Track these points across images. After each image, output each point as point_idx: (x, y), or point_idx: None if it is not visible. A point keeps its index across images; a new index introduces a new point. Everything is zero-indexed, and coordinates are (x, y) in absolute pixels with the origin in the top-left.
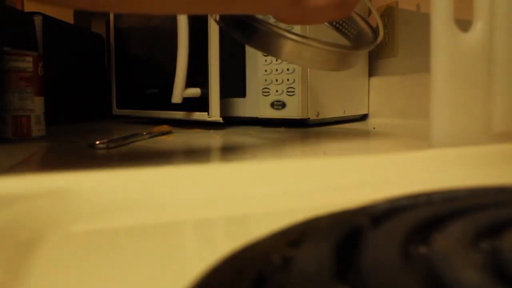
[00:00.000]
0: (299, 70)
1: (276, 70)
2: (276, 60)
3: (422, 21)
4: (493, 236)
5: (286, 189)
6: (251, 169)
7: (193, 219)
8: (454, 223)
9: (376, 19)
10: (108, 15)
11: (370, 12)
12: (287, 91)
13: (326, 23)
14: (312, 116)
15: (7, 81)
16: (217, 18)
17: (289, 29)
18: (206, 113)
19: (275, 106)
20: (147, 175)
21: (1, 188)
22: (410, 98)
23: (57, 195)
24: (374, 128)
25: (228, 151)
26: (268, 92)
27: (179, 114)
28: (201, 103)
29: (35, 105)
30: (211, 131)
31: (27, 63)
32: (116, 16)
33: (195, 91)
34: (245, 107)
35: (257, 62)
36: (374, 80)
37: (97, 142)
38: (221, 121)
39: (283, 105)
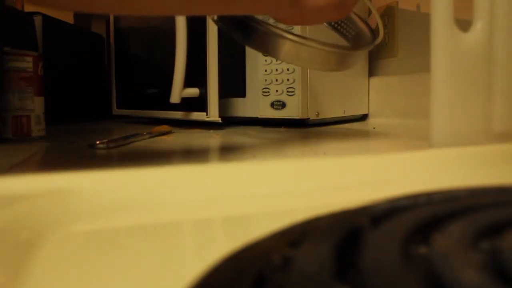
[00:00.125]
0: (299, 70)
1: (276, 70)
2: (276, 60)
3: (422, 21)
4: (493, 236)
5: (286, 189)
6: (251, 169)
7: (193, 219)
8: (454, 223)
9: (376, 19)
10: (108, 15)
11: (370, 12)
12: (287, 91)
13: (324, 24)
14: (312, 116)
15: (7, 81)
16: (215, 18)
17: (288, 30)
18: (204, 113)
19: (275, 106)
20: (147, 175)
21: (1, 188)
22: (410, 98)
23: (57, 195)
24: (374, 128)
25: (228, 151)
26: (268, 92)
27: (179, 114)
28: (200, 103)
29: (35, 105)
30: (211, 131)
31: (27, 63)
32: (116, 17)
33: (193, 91)
34: (245, 107)
35: (257, 62)
36: (374, 80)
37: (97, 142)
38: (220, 121)
39: (283, 105)
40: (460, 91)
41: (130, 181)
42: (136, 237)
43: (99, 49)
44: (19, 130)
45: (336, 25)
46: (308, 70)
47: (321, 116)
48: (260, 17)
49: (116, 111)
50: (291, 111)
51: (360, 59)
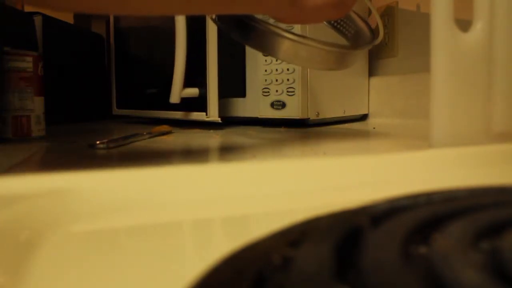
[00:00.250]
0: (299, 70)
1: (276, 70)
2: (276, 60)
3: (422, 21)
4: (493, 236)
5: (286, 189)
6: (251, 169)
7: (193, 219)
8: (454, 223)
9: (376, 19)
10: (108, 15)
11: (370, 12)
12: (287, 91)
13: (324, 22)
14: (312, 116)
15: (7, 81)
16: (213, 17)
17: (288, 29)
18: (204, 113)
19: (275, 106)
20: (147, 175)
21: (1, 188)
22: (410, 98)
23: (57, 195)
24: (374, 128)
25: (228, 151)
26: (268, 92)
27: (179, 114)
28: (200, 103)
29: (35, 105)
30: (211, 131)
31: (27, 63)
32: (116, 17)
33: (193, 91)
34: (245, 107)
35: (257, 62)
36: (374, 80)
37: (97, 142)
38: (219, 121)
39: (283, 105)
40: (460, 91)
41: (130, 181)
42: (136, 237)
43: (99, 49)
44: (19, 130)
45: (335, 24)
46: (308, 70)
47: (321, 116)
48: (260, 16)
49: (116, 111)
50: (291, 111)
51: (360, 58)
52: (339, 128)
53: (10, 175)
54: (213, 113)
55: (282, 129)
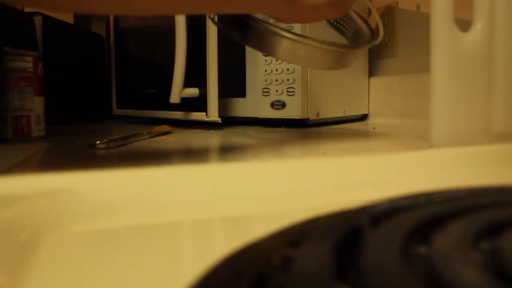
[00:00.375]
0: (299, 70)
1: (276, 70)
2: (276, 60)
3: (422, 21)
4: (493, 236)
5: (286, 189)
6: (251, 169)
7: (193, 219)
8: (454, 223)
9: (376, 19)
10: (108, 15)
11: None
12: (287, 91)
13: (324, 21)
14: (312, 116)
15: (7, 81)
16: (213, 17)
17: (288, 29)
18: (204, 113)
19: (275, 106)
20: (147, 175)
21: (1, 188)
22: (410, 98)
23: (57, 195)
24: (374, 128)
25: (228, 151)
26: (268, 92)
27: (179, 114)
28: (200, 103)
29: (35, 105)
30: (211, 131)
31: (27, 63)
32: (116, 17)
33: (193, 91)
34: (245, 107)
35: (257, 62)
36: (374, 80)
37: (97, 142)
38: (219, 121)
39: (283, 105)
40: (460, 91)
41: (130, 181)
42: (136, 237)
43: (99, 49)
44: (19, 130)
45: (335, 23)
46: (308, 70)
47: (321, 116)
48: (259, 15)
49: (116, 111)
50: (291, 111)
51: (359, 58)
52: (339, 128)
53: (10, 175)
54: (213, 113)
55: (282, 129)
